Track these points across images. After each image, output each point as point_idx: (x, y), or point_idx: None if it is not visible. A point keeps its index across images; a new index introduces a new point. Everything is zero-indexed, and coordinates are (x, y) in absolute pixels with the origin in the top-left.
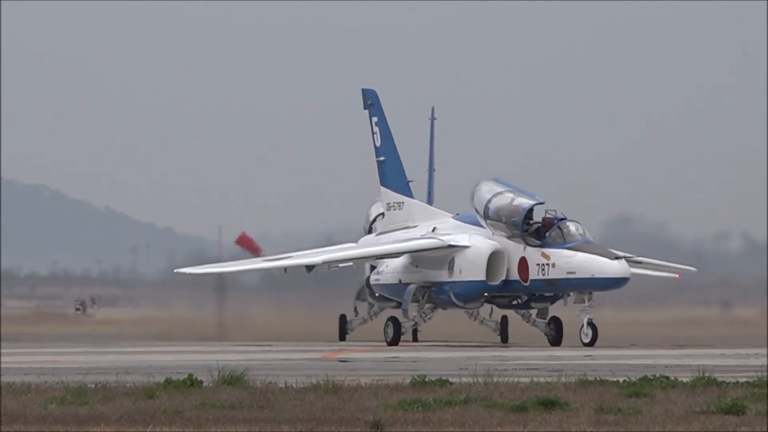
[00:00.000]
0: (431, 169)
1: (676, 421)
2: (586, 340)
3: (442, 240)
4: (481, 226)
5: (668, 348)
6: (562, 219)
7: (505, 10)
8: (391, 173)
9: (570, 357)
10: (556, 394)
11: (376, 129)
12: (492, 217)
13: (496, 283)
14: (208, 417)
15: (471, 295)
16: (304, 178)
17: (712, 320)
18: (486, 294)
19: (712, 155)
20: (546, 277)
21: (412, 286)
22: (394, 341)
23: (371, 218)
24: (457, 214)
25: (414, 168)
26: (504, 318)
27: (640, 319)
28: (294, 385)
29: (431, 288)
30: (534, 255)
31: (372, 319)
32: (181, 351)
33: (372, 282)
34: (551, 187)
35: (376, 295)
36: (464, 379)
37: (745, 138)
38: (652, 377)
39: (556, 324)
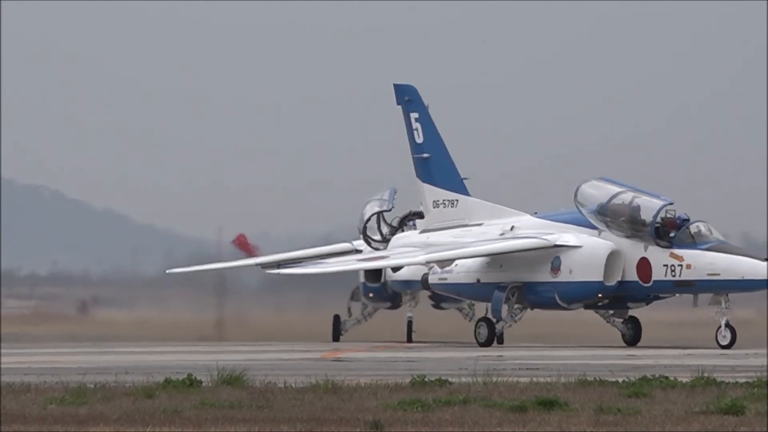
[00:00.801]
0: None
1: (676, 422)
2: (725, 342)
3: (546, 239)
4: (576, 224)
5: (668, 348)
6: (686, 219)
7: (502, 9)
8: (439, 170)
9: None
10: (555, 394)
11: (416, 125)
12: (612, 217)
13: (612, 283)
14: (207, 417)
15: (582, 296)
16: (304, 178)
17: (712, 320)
18: (600, 295)
19: (712, 155)
20: (677, 278)
21: (501, 287)
22: (487, 343)
23: (366, 218)
24: (536, 213)
25: (407, 167)
26: None
27: (640, 319)
28: (293, 385)
29: (521, 288)
30: (660, 255)
31: (366, 320)
32: (180, 351)
33: (434, 281)
34: (550, 186)
35: (370, 295)
36: (463, 379)
37: (745, 138)
38: (651, 377)
39: (633, 323)
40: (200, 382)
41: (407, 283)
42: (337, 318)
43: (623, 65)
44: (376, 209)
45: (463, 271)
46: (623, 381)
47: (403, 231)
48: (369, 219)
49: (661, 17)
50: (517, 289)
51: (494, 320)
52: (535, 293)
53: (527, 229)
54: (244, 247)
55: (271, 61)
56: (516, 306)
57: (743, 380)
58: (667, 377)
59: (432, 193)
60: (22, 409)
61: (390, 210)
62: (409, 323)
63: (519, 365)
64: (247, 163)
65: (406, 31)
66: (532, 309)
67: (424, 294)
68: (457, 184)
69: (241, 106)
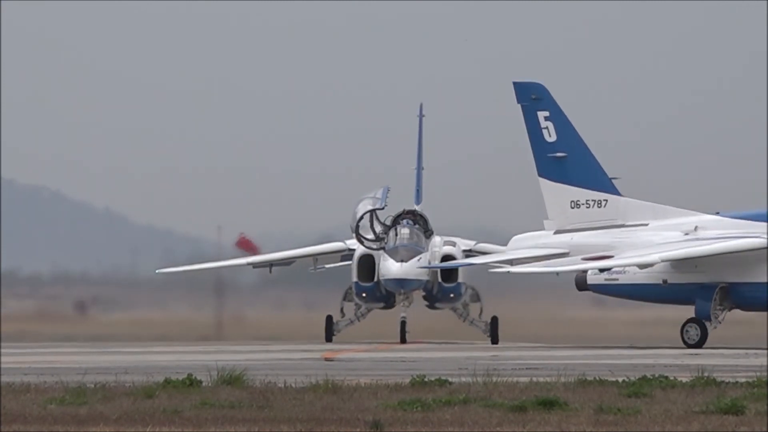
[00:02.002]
0: (419, 168)
1: (676, 421)
2: None
3: None
4: None
5: (668, 348)
6: None
7: (497, 7)
8: (579, 169)
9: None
10: (555, 394)
11: (546, 124)
12: None
13: None
14: (207, 417)
15: None
16: (304, 177)
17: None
18: None
19: (712, 154)
20: None
21: (706, 288)
22: (698, 344)
23: (358, 216)
24: (718, 212)
25: (401, 165)
26: (494, 318)
27: (640, 319)
28: (293, 385)
29: (726, 288)
30: None
31: (359, 320)
32: (180, 351)
33: (598, 282)
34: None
35: (362, 296)
36: (463, 379)
37: (745, 137)
38: (651, 377)
39: None
40: (200, 382)
41: (400, 282)
42: (329, 318)
43: (621, 61)
44: (369, 207)
45: (645, 270)
46: (623, 381)
47: (396, 230)
48: (362, 217)
49: (660, 14)
50: (721, 289)
51: (704, 321)
52: (744, 295)
53: (718, 230)
54: (247, 246)
55: (271, 63)
56: (717, 307)
57: (743, 380)
58: (667, 377)
59: (568, 193)
60: (22, 409)
61: (383, 208)
62: (403, 324)
63: (519, 365)
64: (247, 162)
65: (406, 29)
66: (730, 310)
67: (418, 294)
68: (604, 184)
69: (241, 106)
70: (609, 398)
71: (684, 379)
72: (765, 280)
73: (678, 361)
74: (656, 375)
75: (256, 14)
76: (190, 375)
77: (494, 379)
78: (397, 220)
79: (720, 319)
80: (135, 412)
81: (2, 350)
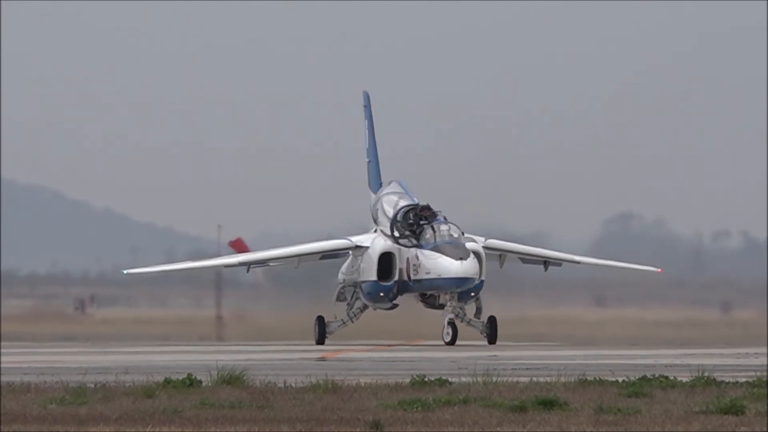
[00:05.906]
0: (374, 158)
1: (676, 421)
2: None
3: None
4: None
5: (668, 348)
6: None
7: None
8: None
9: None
10: (555, 393)
11: None
12: None
13: None
14: (207, 417)
15: None
16: (304, 177)
17: (712, 320)
18: None
19: (713, 153)
20: None
21: None
22: None
23: (398, 212)
24: None
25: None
26: (492, 318)
27: (640, 319)
28: (293, 385)
29: None
30: None
31: (352, 321)
32: (180, 351)
33: None
34: (548, 183)
35: (380, 295)
36: (464, 379)
37: (745, 136)
38: (651, 377)
39: None
40: (200, 381)
41: (462, 280)
42: (321, 319)
43: (620, 60)
44: (404, 203)
45: None
46: (623, 381)
47: (433, 227)
48: (398, 213)
49: (660, 13)
50: None
51: None
52: None
53: None
54: (241, 248)
55: (271, 63)
56: None
57: (743, 380)
58: (667, 377)
59: None
60: (22, 409)
61: (417, 204)
62: (452, 323)
63: (519, 365)
64: (247, 162)
65: (405, 28)
66: None
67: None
68: None
69: (241, 107)
70: (609, 398)
71: (684, 379)
72: None
73: (678, 361)
74: (656, 375)
75: (259, 21)
76: (190, 375)
77: (494, 379)
78: (420, 216)
79: None
80: (135, 412)
81: (2, 350)
